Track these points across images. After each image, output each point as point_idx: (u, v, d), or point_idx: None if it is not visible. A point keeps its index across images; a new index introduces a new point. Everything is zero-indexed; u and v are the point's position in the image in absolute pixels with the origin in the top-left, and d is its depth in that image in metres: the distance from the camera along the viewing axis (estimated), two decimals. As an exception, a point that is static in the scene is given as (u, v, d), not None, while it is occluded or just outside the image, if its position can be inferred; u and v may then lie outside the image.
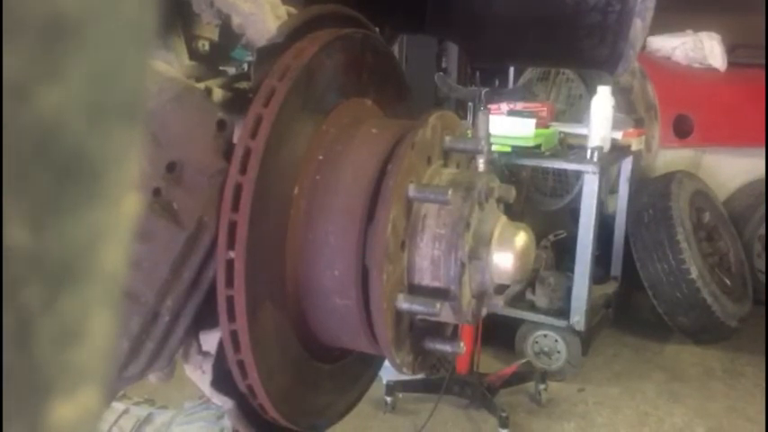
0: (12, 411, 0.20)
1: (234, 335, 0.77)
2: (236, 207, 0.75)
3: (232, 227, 0.75)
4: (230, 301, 0.76)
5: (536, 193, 3.99)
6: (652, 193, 3.67)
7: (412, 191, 0.80)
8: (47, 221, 0.20)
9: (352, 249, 0.81)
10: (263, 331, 0.79)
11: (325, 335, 0.89)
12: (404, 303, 0.80)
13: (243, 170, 0.75)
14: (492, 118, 2.74)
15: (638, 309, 3.84)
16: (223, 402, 0.83)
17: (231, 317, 0.76)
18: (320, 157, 0.85)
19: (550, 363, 3.19)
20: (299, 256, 0.83)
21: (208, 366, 0.84)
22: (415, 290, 0.84)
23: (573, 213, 3.50)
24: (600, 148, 3.07)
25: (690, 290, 3.42)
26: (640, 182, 3.79)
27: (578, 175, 3.36)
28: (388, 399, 2.92)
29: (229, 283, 0.75)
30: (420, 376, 2.88)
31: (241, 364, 0.78)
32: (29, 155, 0.19)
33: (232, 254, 0.75)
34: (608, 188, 3.81)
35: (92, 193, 0.21)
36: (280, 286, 0.83)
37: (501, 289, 0.92)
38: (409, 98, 1.08)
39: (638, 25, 1.07)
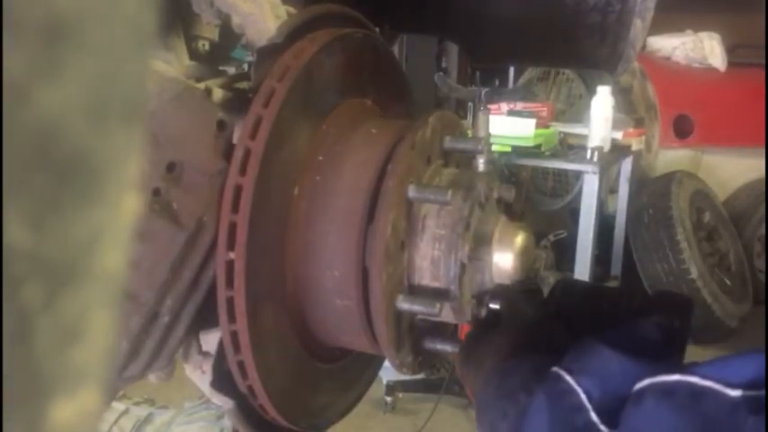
0: (12, 411, 0.20)
1: (234, 335, 0.77)
2: (235, 208, 0.75)
3: (232, 228, 0.75)
4: (230, 302, 0.76)
5: (536, 193, 4.00)
6: (652, 193, 3.68)
7: (412, 191, 0.80)
8: (47, 221, 0.20)
9: (352, 250, 0.81)
10: (264, 332, 0.79)
11: (326, 335, 0.89)
12: (404, 304, 0.80)
13: (243, 171, 0.75)
14: (492, 118, 2.73)
15: (638, 309, 3.83)
16: (223, 402, 0.83)
17: (231, 318, 0.76)
18: (320, 158, 0.85)
19: (550, 363, 3.19)
20: (299, 257, 0.83)
21: (208, 366, 0.84)
22: (415, 290, 0.84)
23: (573, 213, 3.50)
24: (600, 148, 3.07)
25: (690, 290, 3.42)
26: (640, 182, 3.80)
27: (578, 175, 3.37)
28: (388, 399, 2.92)
29: (229, 284, 0.75)
30: (420, 376, 2.87)
31: (241, 365, 0.78)
32: (29, 155, 0.19)
33: (232, 255, 0.75)
34: (608, 188, 3.82)
35: (92, 193, 0.21)
36: (280, 287, 0.83)
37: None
38: (409, 98, 1.08)
39: (638, 25, 1.07)
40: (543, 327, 0.72)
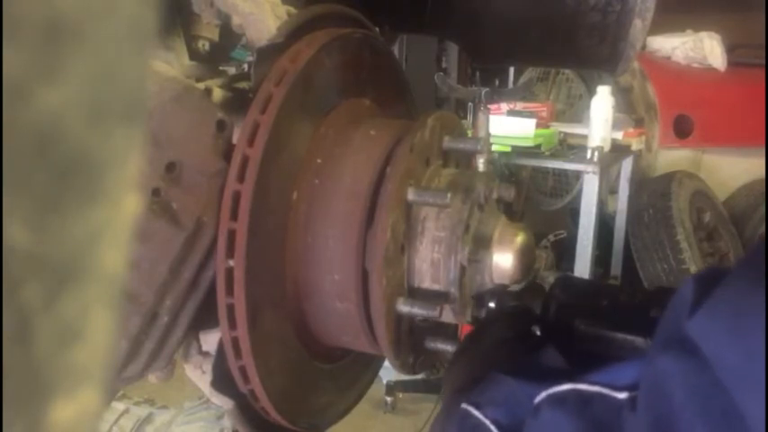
0: (12, 411, 0.20)
1: (235, 341, 0.76)
2: (234, 215, 0.75)
3: (231, 235, 0.74)
4: (230, 308, 0.75)
5: (536, 193, 4.00)
6: (652, 193, 3.67)
7: (411, 194, 0.80)
8: (47, 221, 0.20)
9: (352, 254, 0.81)
10: (264, 336, 0.79)
11: (326, 336, 0.89)
12: (404, 307, 0.80)
13: (241, 178, 0.75)
14: (492, 118, 2.74)
15: (638, 309, 3.82)
16: (223, 403, 0.83)
17: (232, 324, 0.76)
18: (319, 161, 0.85)
19: (550, 363, 3.18)
20: (298, 261, 0.83)
21: (208, 366, 0.84)
22: (415, 293, 0.84)
23: (573, 213, 3.50)
24: (600, 148, 3.07)
25: (690, 290, 3.40)
26: (640, 182, 3.79)
27: (578, 175, 3.36)
28: (388, 399, 2.92)
29: (229, 291, 0.75)
30: (420, 376, 2.87)
31: (242, 370, 0.78)
32: (29, 155, 0.19)
33: (231, 262, 0.74)
34: (608, 188, 3.81)
35: (92, 193, 0.21)
36: (280, 290, 0.82)
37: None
38: (409, 98, 1.08)
39: (638, 25, 1.07)
40: (500, 356, 0.73)
